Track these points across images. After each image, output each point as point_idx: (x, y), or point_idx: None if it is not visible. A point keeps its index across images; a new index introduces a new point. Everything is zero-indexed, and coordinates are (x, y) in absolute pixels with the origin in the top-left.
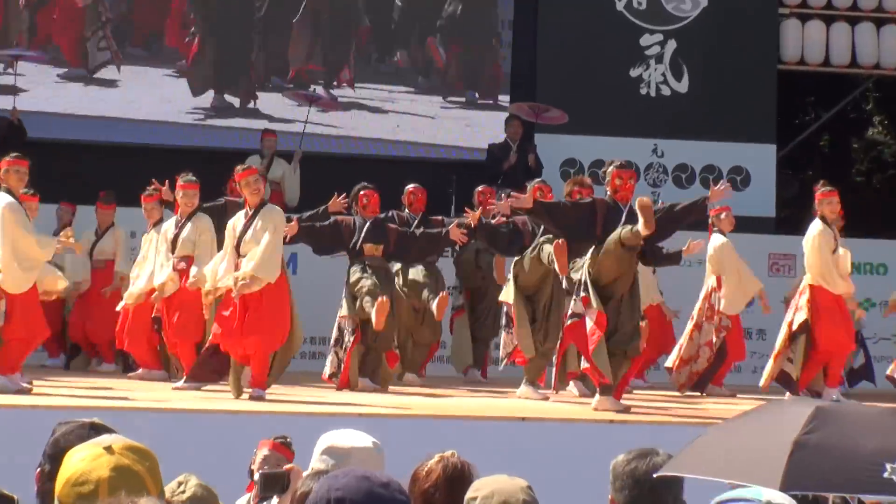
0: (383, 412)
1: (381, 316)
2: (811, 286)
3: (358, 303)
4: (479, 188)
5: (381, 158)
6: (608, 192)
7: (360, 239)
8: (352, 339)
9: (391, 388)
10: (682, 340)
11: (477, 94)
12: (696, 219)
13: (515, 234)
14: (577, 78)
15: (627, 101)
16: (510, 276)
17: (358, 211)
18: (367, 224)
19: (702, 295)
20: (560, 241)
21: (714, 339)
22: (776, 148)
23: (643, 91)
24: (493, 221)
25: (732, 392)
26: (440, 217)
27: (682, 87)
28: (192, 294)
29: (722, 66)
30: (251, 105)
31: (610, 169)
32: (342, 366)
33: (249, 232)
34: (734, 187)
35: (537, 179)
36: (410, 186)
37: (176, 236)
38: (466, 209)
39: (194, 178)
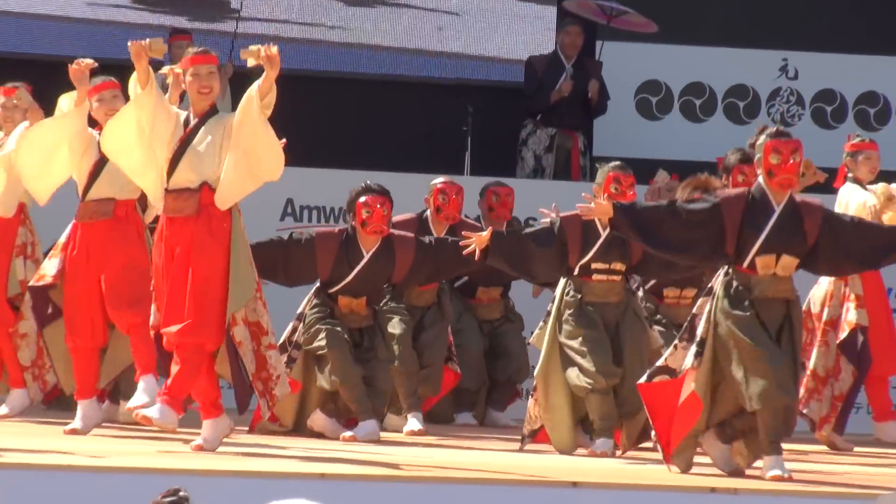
0: (359, 472)
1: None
2: None
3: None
4: (492, 187)
5: (359, 79)
6: (759, 177)
7: (344, 282)
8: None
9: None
10: (807, 345)
11: None
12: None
13: (561, 245)
14: None
15: None
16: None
17: (355, 227)
18: (367, 257)
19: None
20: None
21: (849, 340)
22: None
23: None
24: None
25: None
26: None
27: None
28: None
29: None
30: None
31: (762, 138)
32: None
33: (189, 150)
34: None
35: (613, 164)
36: (439, 182)
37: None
38: (466, 233)
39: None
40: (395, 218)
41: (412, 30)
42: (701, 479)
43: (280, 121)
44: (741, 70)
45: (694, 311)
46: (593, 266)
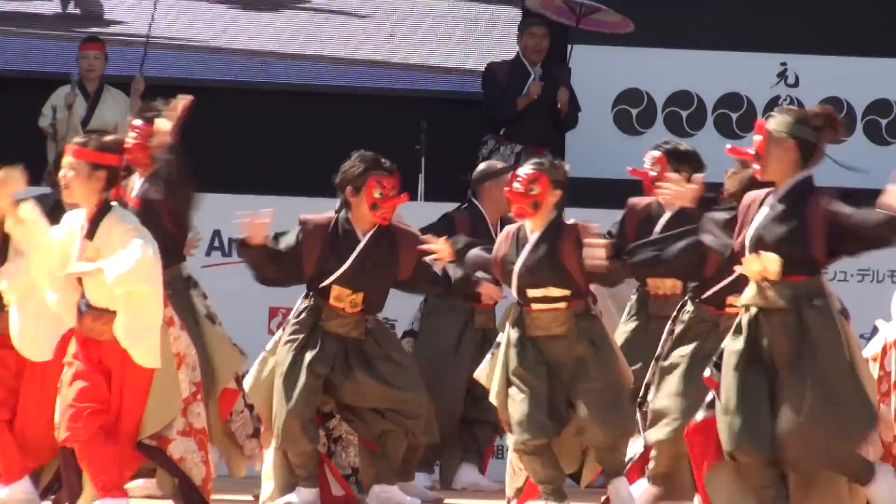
0: None
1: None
2: None
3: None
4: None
5: (295, 91)
6: None
7: (339, 272)
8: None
9: None
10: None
11: None
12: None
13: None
14: None
15: None
16: None
17: (348, 207)
18: (367, 238)
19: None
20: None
21: None
22: None
23: None
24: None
25: None
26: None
27: None
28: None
29: None
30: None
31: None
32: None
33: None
34: None
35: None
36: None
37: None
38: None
39: None
40: None
41: (356, 37)
42: None
43: (203, 140)
44: (734, 77)
45: None
46: (530, 294)
